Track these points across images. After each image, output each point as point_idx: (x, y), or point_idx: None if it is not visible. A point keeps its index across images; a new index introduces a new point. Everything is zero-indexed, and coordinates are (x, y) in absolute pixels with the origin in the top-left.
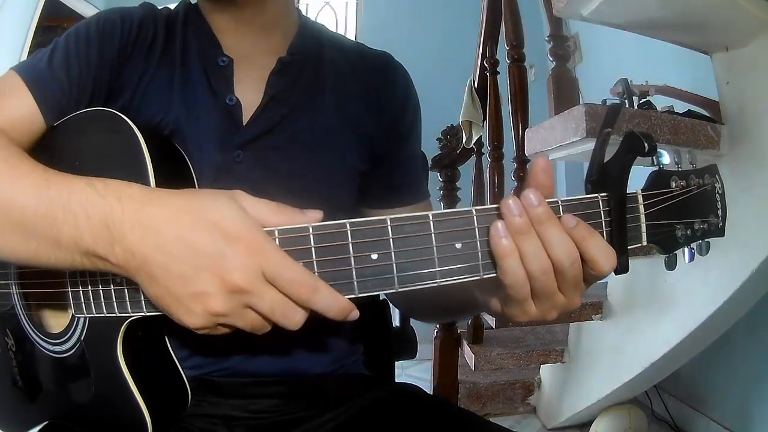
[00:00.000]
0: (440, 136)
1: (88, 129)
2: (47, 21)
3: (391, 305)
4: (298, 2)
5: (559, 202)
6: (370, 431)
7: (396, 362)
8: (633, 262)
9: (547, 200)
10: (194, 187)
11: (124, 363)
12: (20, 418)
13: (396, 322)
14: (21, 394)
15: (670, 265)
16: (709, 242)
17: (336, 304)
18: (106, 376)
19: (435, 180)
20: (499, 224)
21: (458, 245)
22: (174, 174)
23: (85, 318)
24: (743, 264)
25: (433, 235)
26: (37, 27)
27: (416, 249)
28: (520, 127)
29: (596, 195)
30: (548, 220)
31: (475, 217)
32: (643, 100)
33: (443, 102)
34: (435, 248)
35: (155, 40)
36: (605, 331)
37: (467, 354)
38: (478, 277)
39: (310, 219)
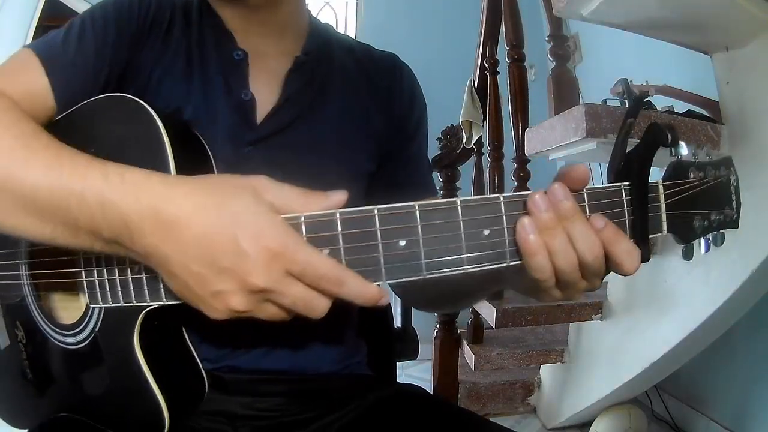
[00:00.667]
0: (440, 136)
1: (106, 114)
2: (47, 21)
3: (390, 305)
4: None
5: (585, 190)
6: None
7: (397, 362)
8: None
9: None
10: (213, 172)
11: (141, 354)
12: (29, 411)
13: (397, 322)
14: (30, 387)
15: (687, 254)
16: (724, 233)
17: (365, 292)
18: (121, 368)
19: (435, 180)
20: (526, 220)
21: (486, 232)
22: (194, 161)
23: (100, 308)
24: (743, 264)
25: (461, 221)
26: (37, 27)
27: (444, 236)
28: (520, 127)
29: (619, 184)
30: (574, 215)
31: (502, 203)
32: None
33: (443, 102)
34: (463, 235)
35: (173, 24)
36: (605, 331)
37: (467, 354)
38: (505, 264)
39: (334, 201)
